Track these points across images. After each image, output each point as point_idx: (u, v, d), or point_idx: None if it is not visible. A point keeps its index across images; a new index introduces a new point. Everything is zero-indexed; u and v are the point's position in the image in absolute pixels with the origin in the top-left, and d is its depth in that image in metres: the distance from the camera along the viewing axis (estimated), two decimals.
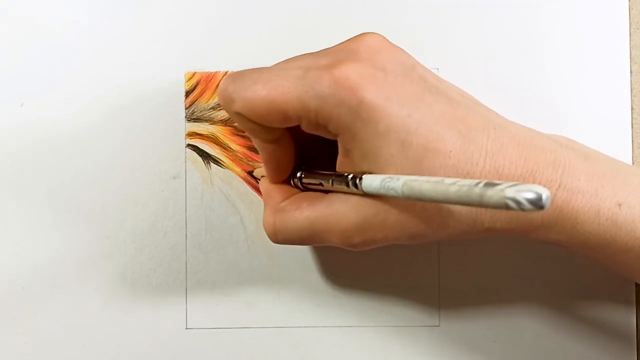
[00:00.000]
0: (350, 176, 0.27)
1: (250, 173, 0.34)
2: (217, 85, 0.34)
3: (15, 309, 0.34)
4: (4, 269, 0.34)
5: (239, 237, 0.34)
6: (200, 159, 0.34)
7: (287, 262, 0.34)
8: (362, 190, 0.26)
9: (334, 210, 0.27)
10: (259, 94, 0.26)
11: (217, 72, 0.34)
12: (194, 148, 0.34)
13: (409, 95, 0.26)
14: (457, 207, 0.26)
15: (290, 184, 0.31)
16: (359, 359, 0.34)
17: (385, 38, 0.27)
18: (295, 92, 0.26)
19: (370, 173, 0.26)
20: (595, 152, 0.28)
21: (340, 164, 0.28)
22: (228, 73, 0.34)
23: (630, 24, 0.34)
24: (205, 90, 0.34)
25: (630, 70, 0.34)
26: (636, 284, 0.34)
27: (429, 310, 0.34)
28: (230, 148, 0.34)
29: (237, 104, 0.27)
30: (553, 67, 0.34)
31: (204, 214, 0.34)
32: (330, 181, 0.28)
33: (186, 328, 0.34)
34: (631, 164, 0.34)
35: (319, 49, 0.28)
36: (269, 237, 0.30)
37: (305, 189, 0.30)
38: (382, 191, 0.25)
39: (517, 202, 0.20)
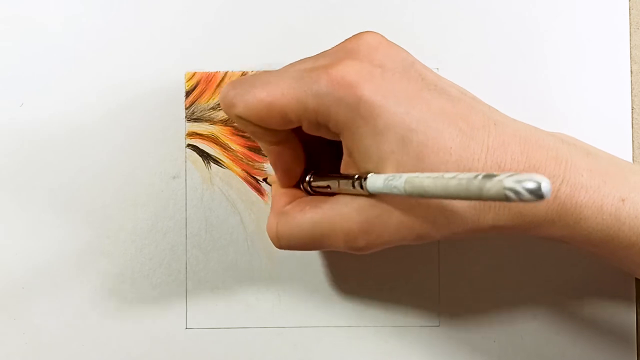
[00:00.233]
0: (355, 177, 0.27)
1: (265, 180, 0.34)
2: (217, 86, 0.34)
3: (15, 309, 0.34)
4: (4, 269, 0.34)
5: (239, 237, 0.34)
6: (200, 159, 0.34)
7: (287, 262, 0.34)
8: (367, 191, 0.26)
9: (337, 212, 0.27)
10: (258, 97, 0.26)
11: (217, 72, 0.34)
12: (194, 148, 0.34)
13: (407, 93, 0.26)
14: (461, 206, 0.26)
15: (300, 188, 0.31)
16: (358, 359, 0.34)
17: (383, 36, 0.27)
18: (294, 92, 0.26)
19: (374, 173, 0.26)
20: (597, 150, 0.28)
21: (345, 165, 0.28)
22: (228, 73, 0.34)
23: (630, 24, 0.34)
24: (205, 90, 0.34)
25: (630, 70, 0.34)
26: (636, 284, 0.34)
27: (429, 311, 0.34)
28: (230, 148, 0.34)
29: (238, 108, 0.27)
30: (553, 67, 0.34)
31: (204, 214, 0.34)
32: (338, 183, 0.28)
33: (186, 328, 0.34)
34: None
35: (319, 49, 0.28)
36: (272, 242, 0.29)
37: (314, 192, 0.30)
38: (385, 190, 0.25)
39: (516, 193, 0.19)
